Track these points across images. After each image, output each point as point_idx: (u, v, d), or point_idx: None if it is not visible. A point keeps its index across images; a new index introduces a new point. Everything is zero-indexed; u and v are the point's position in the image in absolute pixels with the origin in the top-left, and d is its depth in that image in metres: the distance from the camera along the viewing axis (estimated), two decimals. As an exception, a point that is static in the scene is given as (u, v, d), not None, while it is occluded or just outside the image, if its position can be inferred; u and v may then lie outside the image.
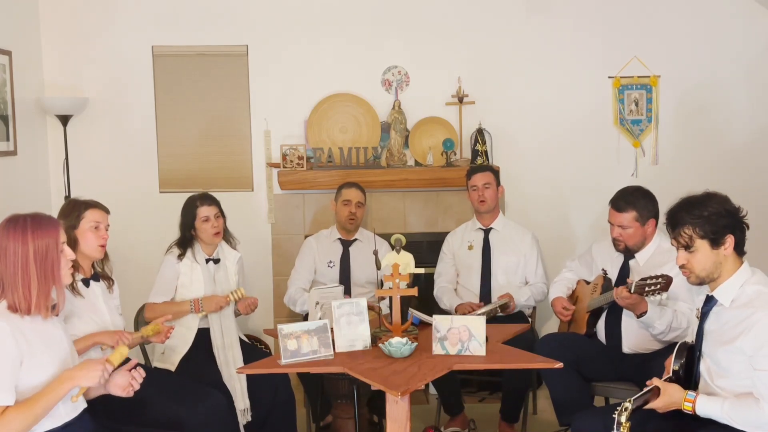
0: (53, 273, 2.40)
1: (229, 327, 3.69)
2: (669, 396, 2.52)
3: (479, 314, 3.80)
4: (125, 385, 2.54)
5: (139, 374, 2.57)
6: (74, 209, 3.11)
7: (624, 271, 3.58)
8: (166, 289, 3.69)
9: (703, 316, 2.63)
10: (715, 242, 2.51)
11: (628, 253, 3.57)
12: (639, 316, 3.32)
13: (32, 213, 2.45)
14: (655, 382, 2.54)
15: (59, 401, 2.35)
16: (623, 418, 2.36)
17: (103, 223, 3.13)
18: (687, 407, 2.52)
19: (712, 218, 2.50)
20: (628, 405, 2.39)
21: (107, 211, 3.19)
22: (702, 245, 2.52)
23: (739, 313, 2.49)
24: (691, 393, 2.52)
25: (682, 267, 2.60)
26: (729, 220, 2.51)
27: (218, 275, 3.76)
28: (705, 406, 2.50)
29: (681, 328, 3.33)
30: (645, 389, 2.60)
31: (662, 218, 3.49)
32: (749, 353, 2.45)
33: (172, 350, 3.63)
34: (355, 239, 4.36)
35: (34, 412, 2.29)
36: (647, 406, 2.52)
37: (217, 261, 3.78)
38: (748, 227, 2.56)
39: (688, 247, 2.54)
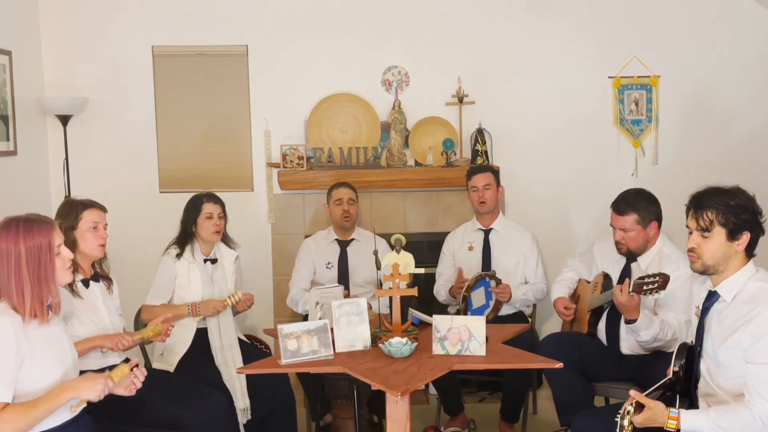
0: (46, 275, 2.39)
1: (228, 327, 3.69)
2: (652, 413, 2.43)
3: (468, 285, 3.89)
4: (127, 383, 2.55)
5: (141, 372, 2.57)
6: (72, 210, 3.11)
7: (625, 274, 3.57)
8: (164, 290, 3.70)
9: (704, 311, 2.62)
10: (732, 234, 2.50)
11: (631, 256, 3.57)
12: (628, 322, 3.32)
13: (26, 215, 2.44)
14: (636, 396, 2.45)
15: (57, 409, 2.36)
16: (626, 422, 2.36)
17: (102, 223, 3.14)
18: (671, 425, 2.42)
19: (737, 210, 2.49)
20: (630, 408, 2.38)
21: (104, 210, 3.19)
22: (719, 233, 2.51)
23: (741, 308, 2.48)
24: (674, 410, 2.44)
25: (691, 251, 2.58)
26: (751, 218, 2.51)
27: (216, 275, 3.76)
28: (690, 421, 2.42)
29: (665, 340, 3.34)
30: (647, 392, 2.60)
31: (663, 219, 3.53)
32: (745, 347, 2.43)
33: (171, 351, 3.63)
34: (353, 239, 4.35)
35: (32, 416, 2.30)
36: (628, 419, 2.43)
37: (214, 261, 3.78)
38: (764, 232, 2.56)
39: (705, 231, 2.53)
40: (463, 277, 4.10)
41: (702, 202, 2.55)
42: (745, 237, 2.51)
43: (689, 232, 2.59)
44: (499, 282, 3.97)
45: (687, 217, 2.61)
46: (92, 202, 3.18)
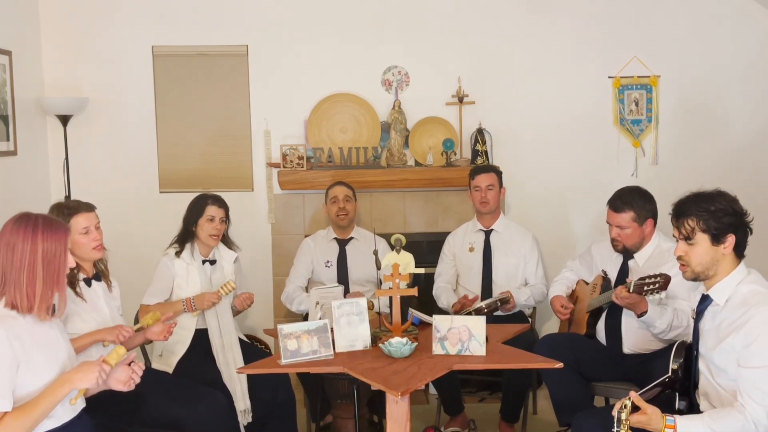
0: (57, 277, 2.40)
1: (228, 327, 3.68)
2: (647, 418, 2.41)
3: (478, 307, 3.84)
4: (126, 379, 2.54)
5: (139, 368, 2.56)
6: (58, 217, 3.08)
7: (623, 272, 3.59)
8: (161, 291, 3.70)
9: (698, 315, 2.63)
10: (716, 239, 2.51)
11: (627, 254, 3.57)
12: (639, 316, 3.32)
13: (44, 214, 2.46)
14: (635, 399, 2.43)
15: (57, 405, 2.35)
16: (624, 416, 2.36)
17: (92, 224, 3.07)
18: None
19: (717, 214, 2.49)
20: (628, 402, 2.39)
21: (92, 209, 3.12)
22: (702, 239, 2.52)
23: (734, 312, 2.49)
24: (670, 418, 2.42)
25: (679, 258, 2.59)
26: (734, 219, 2.51)
27: (215, 276, 3.76)
28: (686, 427, 2.41)
29: (682, 327, 3.33)
30: (645, 389, 2.60)
31: (661, 218, 3.53)
32: (738, 349, 2.43)
33: (170, 352, 3.63)
34: (352, 238, 4.36)
35: (32, 417, 2.29)
36: (626, 413, 2.41)
37: (213, 262, 3.78)
38: (751, 232, 2.56)
39: (688, 239, 2.54)
40: (478, 300, 4.04)
41: (682, 210, 2.56)
42: (731, 239, 2.51)
43: (676, 241, 2.60)
44: (506, 303, 3.96)
45: (672, 226, 2.61)
46: (77, 205, 3.10)
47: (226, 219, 3.80)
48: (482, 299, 4.14)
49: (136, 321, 3.76)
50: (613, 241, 3.57)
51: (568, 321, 3.80)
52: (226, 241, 3.87)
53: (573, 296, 3.85)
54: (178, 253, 3.71)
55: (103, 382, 2.46)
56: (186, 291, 3.69)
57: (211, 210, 3.73)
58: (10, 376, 2.28)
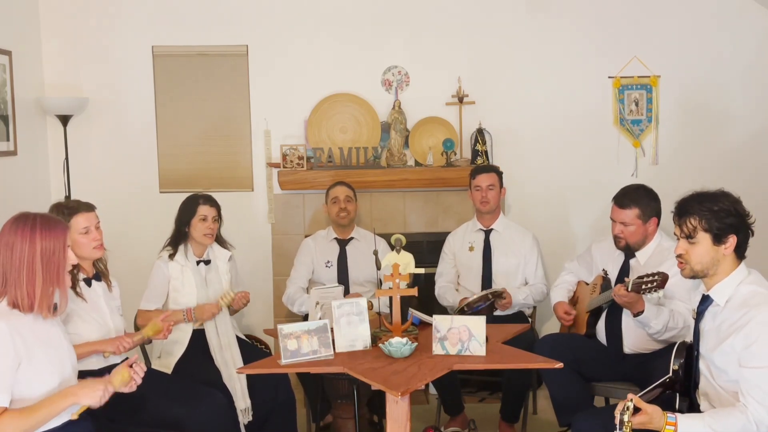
0: (57, 275, 2.41)
1: (226, 327, 3.68)
2: (648, 417, 2.42)
3: (472, 300, 3.85)
4: (127, 380, 2.55)
5: (141, 368, 2.57)
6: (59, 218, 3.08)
7: (624, 271, 3.59)
8: (157, 295, 3.70)
9: (699, 315, 2.63)
10: (718, 239, 2.51)
11: (629, 252, 3.58)
12: (635, 315, 3.32)
13: (42, 213, 2.46)
14: (634, 399, 2.43)
15: (57, 415, 2.36)
16: (626, 417, 2.36)
17: (92, 224, 3.08)
18: (669, 431, 2.42)
19: (720, 214, 2.50)
20: (631, 404, 2.38)
21: (92, 209, 3.13)
22: (704, 238, 2.52)
23: (734, 313, 2.49)
24: (671, 416, 2.43)
25: (679, 257, 2.60)
26: (736, 220, 2.51)
27: (210, 276, 3.76)
28: (687, 426, 2.42)
29: (677, 328, 3.33)
30: (646, 390, 2.60)
31: (664, 217, 3.54)
32: (739, 350, 2.43)
33: (168, 353, 3.63)
34: (352, 238, 4.36)
35: (30, 422, 2.30)
36: (629, 415, 2.41)
37: (207, 262, 3.78)
38: (753, 233, 2.56)
39: (689, 238, 2.54)
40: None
41: (685, 208, 2.56)
42: (732, 240, 2.51)
43: (677, 239, 2.60)
44: (501, 297, 3.96)
45: (674, 225, 2.61)
46: (77, 205, 3.11)
47: (219, 218, 3.80)
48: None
49: (136, 322, 3.76)
50: (615, 237, 3.57)
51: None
52: (220, 240, 3.86)
53: (573, 297, 3.85)
54: (171, 256, 3.71)
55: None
56: (182, 293, 3.69)
57: (203, 210, 3.73)
58: (10, 371, 2.29)
